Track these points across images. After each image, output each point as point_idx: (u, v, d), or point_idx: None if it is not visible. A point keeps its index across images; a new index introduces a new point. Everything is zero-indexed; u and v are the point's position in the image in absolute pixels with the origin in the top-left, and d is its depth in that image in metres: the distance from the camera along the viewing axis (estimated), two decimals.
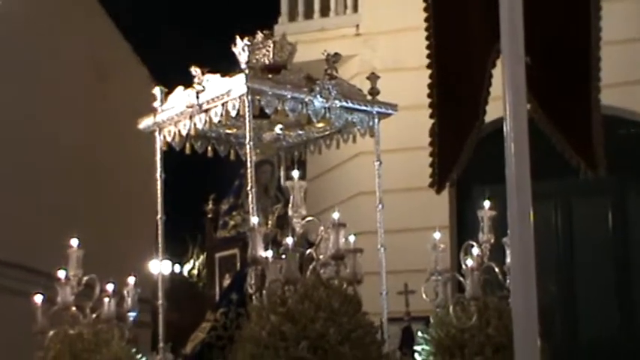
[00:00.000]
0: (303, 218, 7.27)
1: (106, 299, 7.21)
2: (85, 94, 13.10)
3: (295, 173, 7.31)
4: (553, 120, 4.80)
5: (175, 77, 8.15)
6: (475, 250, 6.96)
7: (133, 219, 10.60)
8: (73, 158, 12.66)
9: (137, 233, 9.33)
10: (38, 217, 11.80)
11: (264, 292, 6.61)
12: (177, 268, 8.59)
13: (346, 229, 6.75)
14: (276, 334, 6.25)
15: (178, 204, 8.55)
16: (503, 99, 3.98)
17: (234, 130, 8.37)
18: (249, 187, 7.50)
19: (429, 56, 4.95)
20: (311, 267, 6.77)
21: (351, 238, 6.84)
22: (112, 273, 7.49)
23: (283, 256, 6.60)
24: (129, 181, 11.84)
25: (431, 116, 4.92)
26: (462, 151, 4.89)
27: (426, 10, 4.92)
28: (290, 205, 7.28)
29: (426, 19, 4.92)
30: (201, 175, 9.00)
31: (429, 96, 4.94)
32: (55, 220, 10.86)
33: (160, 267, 8.01)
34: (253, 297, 6.92)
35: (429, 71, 4.99)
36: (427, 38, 4.94)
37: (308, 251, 6.97)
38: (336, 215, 6.71)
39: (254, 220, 6.92)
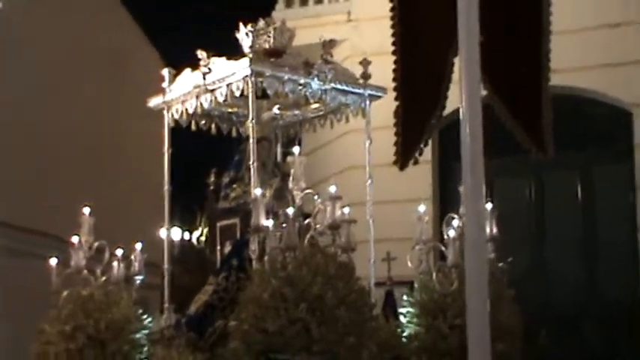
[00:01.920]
0: (302, 191, 7.26)
1: (115, 263, 7.15)
2: (99, 76, 13.00)
3: (296, 149, 7.36)
4: (506, 105, 4.77)
5: (184, 60, 8.09)
6: (456, 222, 6.92)
7: (144, 190, 10.51)
8: (89, 135, 12.62)
9: (148, 204, 9.27)
10: (55, 187, 11.76)
11: (265, 258, 6.61)
12: (186, 235, 8.56)
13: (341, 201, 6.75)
14: (277, 297, 6.25)
15: (188, 177, 8.54)
16: (460, 84, 3.98)
17: (236, 109, 8.40)
18: (250, 162, 7.49)
19: (393, 43, 4.92)
20: (308, 235, 6.76)
21: (346, 210, 6.85)
22: (124, 239, 7.45)
23: (284, 225, 6.58)
24: (140, 156, 11.74)
25: (395, 99, 4.85)
26: (424, 132, 4.81)
27: (391, 0, 4.84)
28: (291, 178, 7.31)
29: (392, 9, 4.85)
30: (207, 150, 8.98)
31: (393, 80, 4.90)
32: (70, 190, 10.79)
33: (166, 234, 7.97)
34: (254, 262, 6.91)
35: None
36: (392, 27, 4.90)
37: (307, 221, 6.97)
38: (333, 188, 6.73)
39: (257, 191, 6.92)
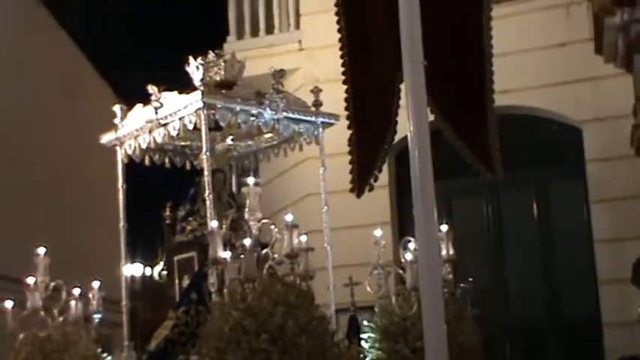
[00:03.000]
0: (259, 221, 7.22)
1: (73, 302, 7.01)
2: (52, 112, 12.84)
3: (251, 180, 7.34)
4: (454, 129, 4.77)
5: (137, 95, 8.05)
6: (412, 245, 6.85)
7: (101, 227, 10.36)
8: (42, 171, 12.42)
9: (106, 240, 9.12)
10: (8, 226, 11.49)
11: (224, 290, 6.55)
12: (148, 270, 8.45)
13: (298, 229, 6.72)
14: (238, 329, 6.19)
15: (147, 212, 8.46)
16: (407, 110, 3.97)
17: (189, 142, 8.38)
18: (206, 194, 7.43)
19: (344, 73, 4.90)
20: (267, 265, 6.70)
21: (303, 238, 6.81)
22: (82, 277, 7.35)
23: (242, 256, 6.53)
24: (96, 192, 11.59)
25: (348, 127, 4.84)
26: (377, 159, 4.80)
27: (339, 31, 4.88)
28: (246, 209, 7.29)
29: (340, 40, 4.85)
30: (162, 184, 8.89)
31: (346, 109, 4.90)
32: (24, 228, 10.58)
33: (124, 270, 7.89)
34: (214, 295, 6.83)
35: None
36: (341, 57, 4.88)
37: (264, 251, 6.92)
38: (289, 217, 6.71)
39: (213, 224, 6.87)
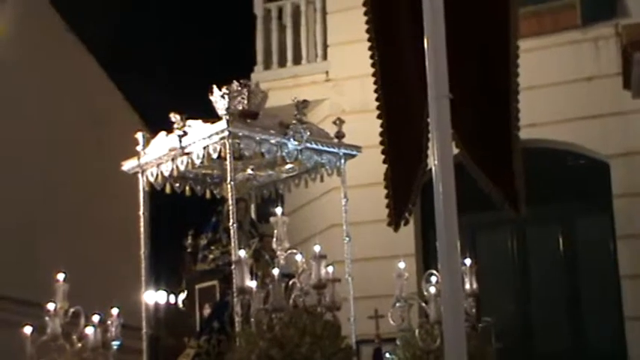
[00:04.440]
0: (286, 251, 7.16)
1: (91, 329, 6.92)
2: (78, 139, 12.84)
3: (278, 210, 7.27)
4: (478, 163, 4.70)
5: (164, 122, 7.96)
6: (434, 278, 6.73)
7: (124, 254, 10.31)
8: (65, 197, 12.39)
9: (130, 268, 9.06)
10: (32, 253, 11.44)
11: (251, 319, 6.49)
12: (172, 298, 8.39)
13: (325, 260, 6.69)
14: (265, 358, 6.14)
15: (172, 239, 8.41)
16: (432, 144, 3.98)
17: (210, 171, 8.32)
18: (230, 223, 7.37)
19: (378, 107, 4.87)
20: (293, 295, 6.66)
21: (330, 269, 6.76)
22: (104, 305, 7.29)
23: (270, 286, 6.47)
24: (119, 219, 11.54)
25: (384, 162, 4.77)
26: (412, 191, 4.75)
27: (372, 65, 4.86)
28: (274, 239, 7.21)
29: (374, 74, 4.84)
30: (186, 212, 8.84)
31: (381, 143, 4.87)
32: (46, 255, 10.52)
33: (145, 297, 7.86)
34: (239, 324, 6.79)
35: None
36: (375, 91, 4.87)
37: (291, 281, 6.84)
38: (317, 248, 6.66)
39: (241, 253, 6.79)
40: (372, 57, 4.91)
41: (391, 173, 4.86)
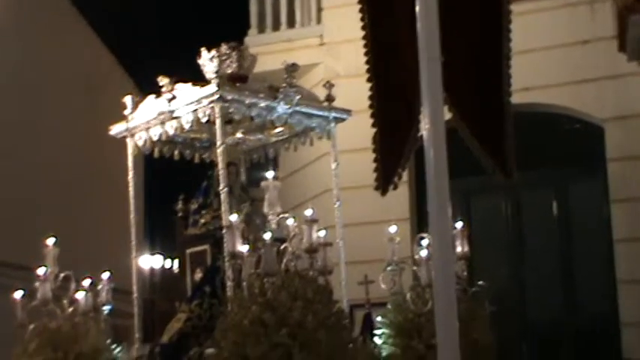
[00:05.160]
0: (278, 215, 7.09)
1: (82, 293, 6.87)
2: (72, 104, 12.76)
3: (270, 174, 7.16)
4: (469, 127, 4.60)
5: (157, 86, 7.81)
6: (425, 242, 6.69)
7: (119, 219, 10.27)
8: (59, 163, 12.30)
9: (124, 232, 9.02)
10: (24, 217, 11.39)
11: (242, 283, 6.44)
12: (167, 262, 8.34)
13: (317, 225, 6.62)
14: (257, 322, 6.09)
15: (166, 203, 8.32)
16: (423, 108, 3.92)
17: (199, 135, 8.21)
18: (220, 188, 7.28)
19: (368, 70, 4.79)
20: (285, 260, 6.59)
21: (322, 233, 6.72)
22: (96, 269, 7.24)
23: (261, 251, 6.42)
24: (112, 184, 11.48)
25: (373, 125, 4.69)
26: (402, 156, 4.67)
27: (363, 28, 4.74)
28: (265, 203, 7.12)
29: (364, 37, 4.73)
30: (179, 177, 8.75)
31: (370, 107, 4.76)
32: (40, 220, 10.46)
33: (137, 262, 7.82)
34: (230, 288, 6.74)
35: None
36: (365, 54, 4.75)
37: (283, 245, 6.78)
38: (309, 212, 6.61)
39: (232, 217, 6.76)
40: (362, 19, 4.82)
41: (380, 137, 4.75)
